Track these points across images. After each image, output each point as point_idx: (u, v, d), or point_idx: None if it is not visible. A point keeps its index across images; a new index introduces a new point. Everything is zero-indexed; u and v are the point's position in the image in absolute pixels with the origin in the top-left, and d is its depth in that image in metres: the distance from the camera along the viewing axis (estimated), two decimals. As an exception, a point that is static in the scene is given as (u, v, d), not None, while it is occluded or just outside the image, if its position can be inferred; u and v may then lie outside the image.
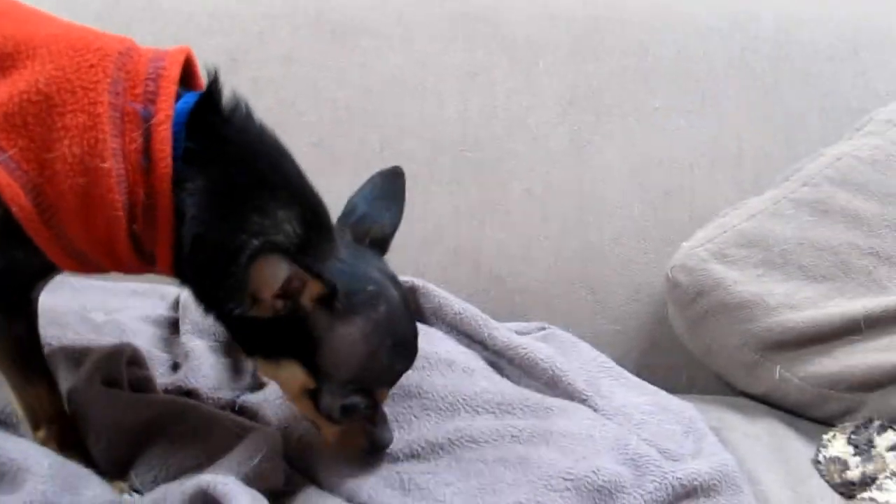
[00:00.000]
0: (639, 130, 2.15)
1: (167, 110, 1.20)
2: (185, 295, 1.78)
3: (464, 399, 1.50)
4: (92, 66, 1.20)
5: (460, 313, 1.77)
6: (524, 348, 1.68)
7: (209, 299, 1.29)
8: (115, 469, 1.36)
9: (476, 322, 1.75)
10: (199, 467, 1.32)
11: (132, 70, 1.21)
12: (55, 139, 1.17)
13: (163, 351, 1.73)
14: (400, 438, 1.44)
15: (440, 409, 1.50)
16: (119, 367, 1.52)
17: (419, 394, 1.50)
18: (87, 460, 1.35)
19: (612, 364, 1.80)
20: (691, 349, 1.94)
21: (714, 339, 1.87)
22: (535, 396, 1.57)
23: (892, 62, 2.22)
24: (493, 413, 1.50)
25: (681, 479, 1.40)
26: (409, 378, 1.48)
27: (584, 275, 2.08)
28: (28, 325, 1.33)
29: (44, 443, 1.33)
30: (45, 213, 1.18)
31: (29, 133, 1.17)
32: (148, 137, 1.18)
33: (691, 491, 1.40)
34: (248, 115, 1.28)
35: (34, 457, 1.26)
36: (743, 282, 1.84)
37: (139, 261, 1.26)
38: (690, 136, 2.15)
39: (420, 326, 1.75)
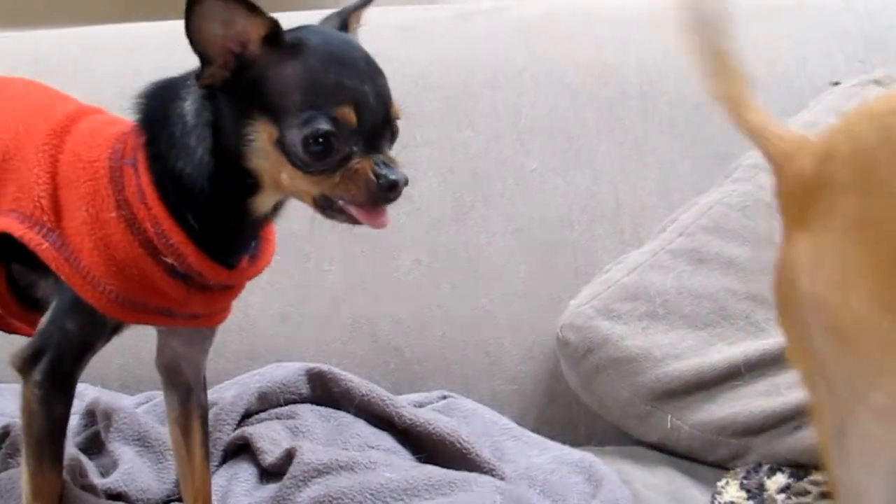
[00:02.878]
0: (518, 192, 2.24)
1: (142, 157, 1.34)
2: (106, 398, 1.87)
3: (371, 493, 1.57)
4: (99, 144, 1.38)
5: (367, 395, 1.86)
6: (430, 424, 1.78)
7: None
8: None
9: (382, 402, 1.84)
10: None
11: (128, 140, 1.37)
12: (77, 209, 1.34)
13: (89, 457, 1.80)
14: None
15: (350, 509, 1.59)
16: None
17: (331, 502, 1.57)
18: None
19: (513, 425, 1.91)
20: (586, 402, 2.02)
21: (606, 392, 1.96)
22: (438, 473, 1.65)
23: None
24: (401, 500, 1.58)
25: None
26: (318, 489, 1.58)
27: (477, 339, 2.16)
28: (67, 406, 1.41)
29: None
30: (85, 272, 1.33)
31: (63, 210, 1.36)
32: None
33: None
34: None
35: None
36: (629, 336, 1.93)
37: (184, 286, 1.37)
38: (568, 193, 2.24)
39: (329, 411, 1.88)
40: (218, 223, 1.35)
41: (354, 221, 1.32)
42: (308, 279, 2.19)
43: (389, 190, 1.28)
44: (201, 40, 1.26)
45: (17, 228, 1.35)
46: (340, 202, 1.30)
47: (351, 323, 2.17)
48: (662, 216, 2.13)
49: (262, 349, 2.14)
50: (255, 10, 1.25)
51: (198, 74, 1.29)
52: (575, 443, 1.91)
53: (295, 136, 1.25)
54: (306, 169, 1.27)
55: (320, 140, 1.25)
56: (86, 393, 2.05)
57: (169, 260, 1.33)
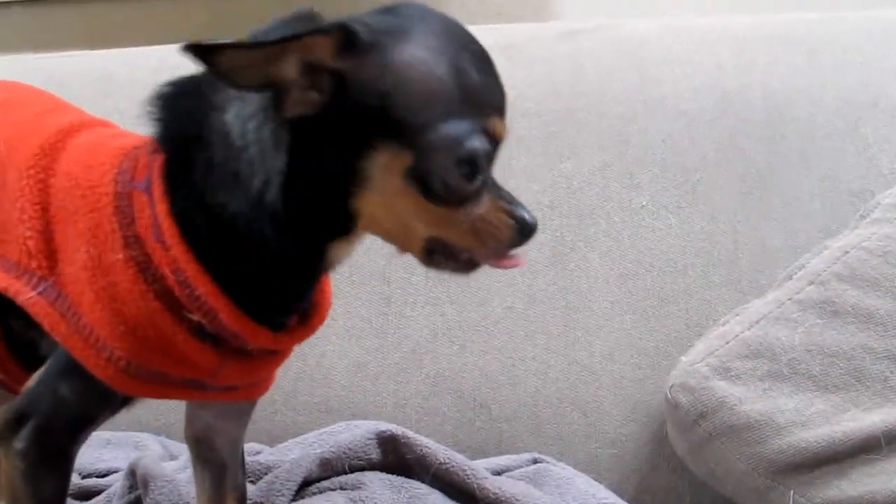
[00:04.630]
0: (625, 232, 2.09)
1: (159, 178, 1.11)
2: (146, 462, 1.70)
3: None
4: (101, 164, 1.15)
5: (445, 463, 1.71)
6: (517, 500, 1.63)
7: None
8: None
9: (463, 472, 1.70)
10: None
11: (141, 157, 1.15)
12: (74, 249, 1.12)
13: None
14: None
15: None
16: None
17: None
18: None
19: (613, 499, 1.75)
20: (695, 472, 1.88)
21: (720, 462, 1.80)
22: None
23: (894, 138, 2.15)
24: None
25: None
26: None
27: (574, 396, 2.02)
28: (60, 486, 1.20)
29: None
30: (87, 332, 1.11)
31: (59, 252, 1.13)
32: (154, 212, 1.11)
33: None
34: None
35: None
36: (749, 399, 1.77)
37: (214, 351, 1.15)
38: (681, 234, 2.09)
39: (401, 481, 1.72)
40: (271, 275, 1.13)
41: (468, 270, 1.13)
42: (388, 326, 2.05)
43: (527, 235, 1.12)
44: (251, 79, 1.02)
45: (2, 279, 1.14)
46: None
47: (434, 375, 2.04)
48: (788, 262, 1.96)
49: (335, 402, 2.01)
50: (299, 38, 1.00)
51: (274, 105, 1.05)
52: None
53: (442, 159, 1.03)
54: (449, 201, 1.05)
55: (472, 161, 1.04)
56: (146, 444, 1.93)
57: (195, 317, 1.11)
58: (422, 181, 1.04)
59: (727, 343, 1.83)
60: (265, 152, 1.06)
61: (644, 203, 2.10)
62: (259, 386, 1.29)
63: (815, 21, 2.30)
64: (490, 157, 1.07)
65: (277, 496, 1.64)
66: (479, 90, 1.06)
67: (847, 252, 1.87)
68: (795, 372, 1.78)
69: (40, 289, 1.12)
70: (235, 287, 1.11)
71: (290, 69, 1.01)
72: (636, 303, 2.05)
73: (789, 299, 1.85)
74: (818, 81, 2.19)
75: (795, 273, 1.90)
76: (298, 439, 1.85)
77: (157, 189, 1.10)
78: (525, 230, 1.11)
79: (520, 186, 2.09)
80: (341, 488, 1.70)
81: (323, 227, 1.10)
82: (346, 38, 1.02)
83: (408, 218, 1.07)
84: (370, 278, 2.03)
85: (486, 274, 2.00)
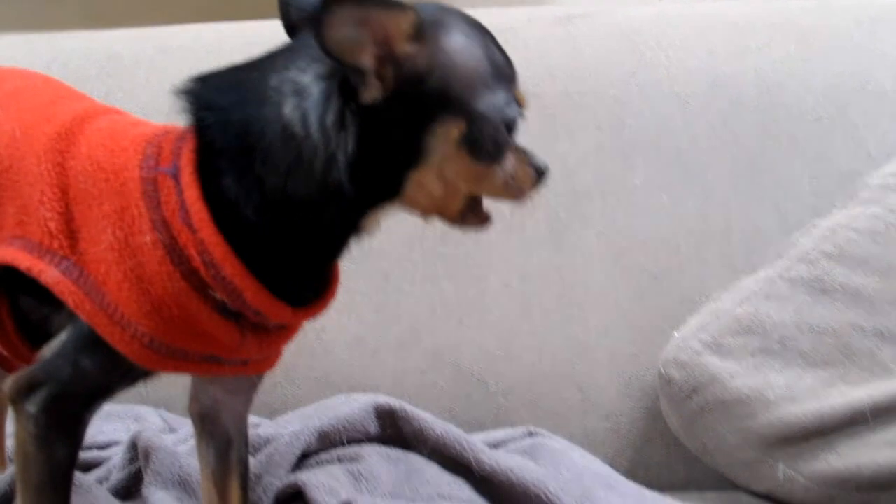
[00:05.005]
0: (620, 211, 2.14)
1: (189, 165, 1.17)
2: (147, 434, 1.73)
3: None
4: (125, 149, 1.21)
5: (442, 436, 1.74)
6: (513, 472, 1.64)
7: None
8: None
9: (460, 445, 1.72)
10: None
11: (164, 144, 1.21)
12: (100, 230, 1.17)
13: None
14: None
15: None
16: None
17: None
18: None
19: (608, 471, 1.80)
20: (688, 445, 1.92)
21: (711, 436, 1.86)
22: None
23: (882, 121, 2.20)
24: None
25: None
26: None
27: (569, 371, 2.06)
28: (71, 451, 1.24)
29: None
30: (112, 310, 1.16)
31: (80, 232, 1.18)
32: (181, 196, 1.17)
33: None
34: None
35: None
36: (740, 374, 1.83)
37: (236, 328, 1.21)
38: (675, 214, 2.14)
39: (398, 453, 1.76)
40: (307, 251, 1.21)
41: (487, 224, 1.31)
42: (387, 301, 2.10)
43: (544, 179, 1.31)
44: (344, 51, 1.11)
45: (24, 259, 1.18)
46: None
47: (432, 350, 2.09)
48: (779, 240, 2.02)
49: (335, 376, 2.06)
50: (392, 6, 1.12)
51: (349, 90, 1.14)
52: (673, 487, 1.83)
53: (491, 123, 1.19)
54: (494, 159, 1.21)
55: (512, 119, 1.22)
56: (146, 417, 1.96)
57: (219, 296, 1.17)
58: (473, 145, 1.18)
59: (719, 319, 1.89)
60: (329, 138, 1.15)
61: (638, 183, 2.15)
62: (269, 360, 1.34)
63: (805, 8, 2.35)
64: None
65: (277, 468, 1.67)
66: (504, 67, 1.23)
67: (836, 231, 1.92)
68: (785, 348, 1.84)
69: (63, 268, 1.16)
70: (260, 267, 1.17)
71: (367, 58, 1.12)
72: (630, 280, 2.10)
73: (780, 277, 1.90)
74: (808, 66, 2.24)
75: (786, 252, 1.95)
76: (297, 412, 1.88)
77: (186, 175, 1.16)
78: (542, 175, 1.30)
79: (517, 166, 2.14)
80: (339, 461, 1.73)
81: (375, 199, 1.20)
82: (419, 23, 1.15)
83: (455, 180, 1.20)
84: (369, 255, 2.02)
85: (483, 251, 2.08)
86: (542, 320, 2.08)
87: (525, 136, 2.12)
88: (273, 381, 2.00)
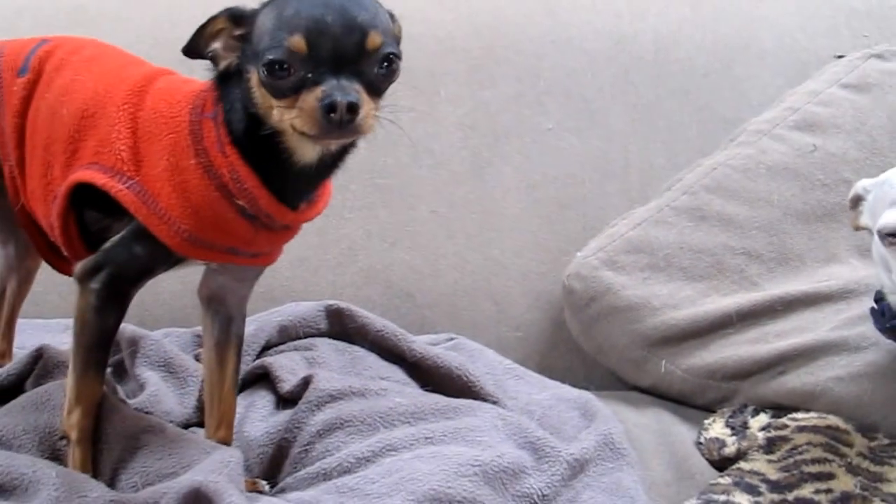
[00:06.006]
0: (534, 150, 2.37)
1: (221, 113, 1.48)
2: (131, 329, 1.97)
3: (380, 416, 1.70)
4: (178, 101, 1.52)
5: (381, 330, 2.00)
6: (439, 358, 1.91)
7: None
8: (105, 472, 1.55)
9: (395, 337, 1.98)
10: (174, 475, 1.49)
11: (207, 97, 1.51)
12: (158, 159, 1.48)
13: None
14: (332, 461, 1.61)
15: (361, 430, 1.68)
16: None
17: (341, 424, 1.69)
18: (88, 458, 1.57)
19: (516, 366, 2.02)
20: (586, 349, 2.14)
21: (606, 338, 2.08)
22: (444, 400, 1.78)
23: (762, 75, 2.45)
24: (408, 422, 1.70)
25: (573, 454, 1.62)
26: (331, 413, 1.70)
27: (487, 287, 2.28)
28: (118, 320, 1.55)
29: (68, 428, 1.55)
30: (162, 213, 1.47)
31: (143, 161, 1.51)
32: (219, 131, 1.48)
33: (584, 463, 1.63)
34: None
35: (42, 469, 1.48)
36: (630, 286, 2.06)
37: (251, 227, 1.50)
38: (581, 153, 2.37)
39: (344, 345, 1.99)
40: (275, 171, 1.48)
41: (340, 136, 1.42)
42: (328, 226, 2.29)
43: (330, 111, 1.33)
44: (200, 49, 1.47)
45: (100, 178, 1.49)
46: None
47: (367, 269, 2.30)
48: (669, 176, 2.25)
49: (279, 291, 2.24)
50: (209, 23, 1.45)
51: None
52: (573, 387, 2.00)
53: (261, 68, 1.36)
54: (275, 95, 1.38)
55: (276, 67, 1.35)
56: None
57: (241, 202, 1.46)
58: (263, 86, 1.39)
59: (614, 241, 2.12)
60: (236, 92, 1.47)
61: (550, 126, 2.40)
62: (273, 254, 1.64)
63: (698, -24, 2.60)
64: (305, 63, 1.36)
65: (244, 356, 1.87)
66: (286, 20, 1.37)
67: (715, 168, 2.18)
68: (669, 264, 2.09)
69: (128, 185, 1.48)
70: (269, 181, 1.48)
71: (218, 46, 1.47)
72: (542, 209, 2.33)
73: (667, 206, 2.15)
74: (700, 28, 2.51)
75: (673, 185, 2.20)
76: (255, 317, 2.06)
77: (220, 119, 1.48)
78: (329, 107, 1.33)
79: (446, 110, 2.39)
80: (296, 350, 1.98)
81: (268, 135, 1.47)
82: (232, 17, 1.45)
83: (277, 114, 1.39)
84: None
85: (413, 182, 2.32)
86: (464, 243, 2.30)
87: (453, 84, 2.38)
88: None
